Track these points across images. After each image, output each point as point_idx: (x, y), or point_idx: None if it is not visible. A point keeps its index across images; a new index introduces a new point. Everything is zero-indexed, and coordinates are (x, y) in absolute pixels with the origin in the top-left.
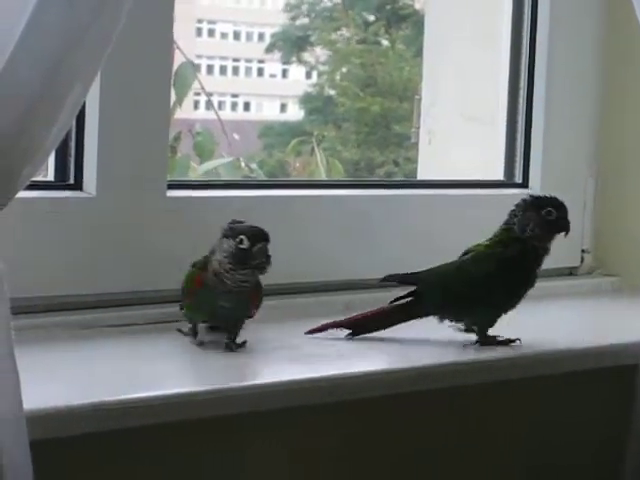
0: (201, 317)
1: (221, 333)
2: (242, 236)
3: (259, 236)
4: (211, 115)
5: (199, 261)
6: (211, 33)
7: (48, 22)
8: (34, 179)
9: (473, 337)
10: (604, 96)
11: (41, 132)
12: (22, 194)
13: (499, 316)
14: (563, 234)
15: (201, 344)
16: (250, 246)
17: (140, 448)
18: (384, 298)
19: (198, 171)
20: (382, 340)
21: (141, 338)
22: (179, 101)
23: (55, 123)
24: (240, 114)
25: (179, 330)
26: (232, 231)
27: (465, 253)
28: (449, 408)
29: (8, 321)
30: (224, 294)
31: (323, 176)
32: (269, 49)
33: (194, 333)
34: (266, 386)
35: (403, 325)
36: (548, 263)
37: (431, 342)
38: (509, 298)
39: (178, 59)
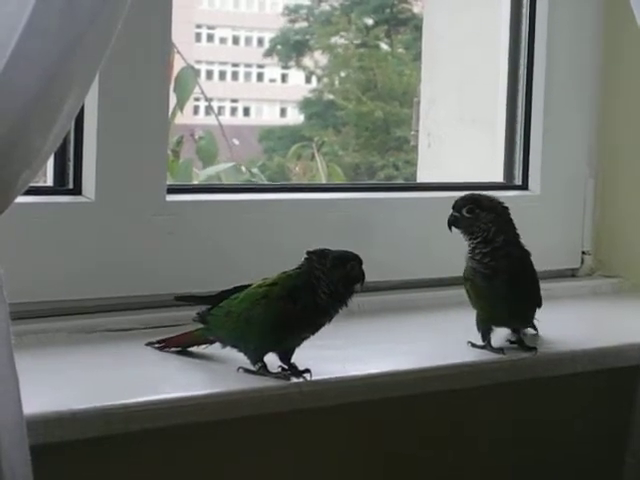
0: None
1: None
2: (353, 262)
3: (360, 258)
4: (211, 120)
5: (275, 292)
6: (210, 38)
7: (45, 27)
8: (33, 184)
9: None
10: (603, 97)
11: (39, 137)
12: (21, 199)
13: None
14: None
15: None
16: (359, 270)
17: (142, 452)
18: (387, 301)
19: (200, 177)
20: (379, 342)
21: (142, 342)
22: (180, 106)
23: (53, 128)
24: (240, 119)
25: (243, 369)
26: (340, 259)
27: None
28: (451, 410)
29: (8, 326)
30: (313, 326)
31: (323, 181)
32: (268, 53)
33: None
34: (269, 389)
35: (405, 325)
36: (549, 265)
37: (432, 344)
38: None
39: (178, 64)
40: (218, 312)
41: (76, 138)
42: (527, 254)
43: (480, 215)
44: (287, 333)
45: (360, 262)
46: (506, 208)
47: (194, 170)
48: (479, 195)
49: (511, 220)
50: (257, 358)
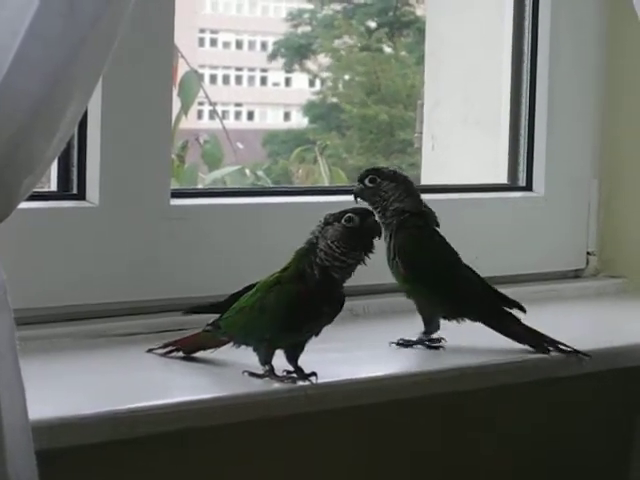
0: (291, 338)
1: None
2: (349, 214)
3: (366, 211)
4: (215, 125)
5: (286, 276)
6: (213, 42)
7: (47, 32)
8: (37, 190)
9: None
10: (607, 98)
11: (42, 142)
12: (25, 204)
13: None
14: None
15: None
16: (360, 222)
17: (149, 457)
18: (391, 303)
19: (206, 180)
20: (384, 345)
21: (147, 347)
22: (184, 110)
23: (56, 133)
24: (244, 123)
25: (248, 372)
26: (334, 216)
27: None
28: (458, 412)
29: (13, 332)
30: (329, 298)
31: (326, 184)
32: (272, 56)
33: (270, 368)
34: (275, 393)
35: (410, 328)
36: (554, 265)
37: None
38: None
39: (182, 69)
40: (230, 313)
41: (80, 143)
42: (418, 228)
43: (382, 184)
44: (303, 316)
45: (359, 213)
46: (407, 177)
47: (200, 174)
48: (381, 166)
49: (415, 192)
50: (269, 352)
